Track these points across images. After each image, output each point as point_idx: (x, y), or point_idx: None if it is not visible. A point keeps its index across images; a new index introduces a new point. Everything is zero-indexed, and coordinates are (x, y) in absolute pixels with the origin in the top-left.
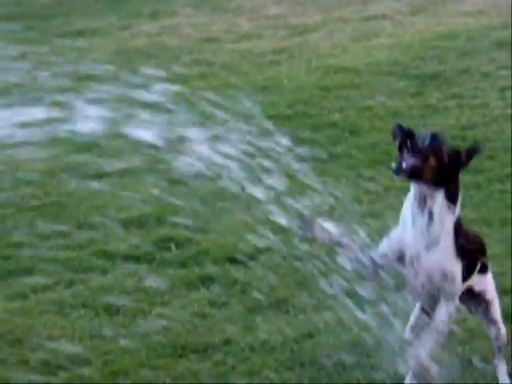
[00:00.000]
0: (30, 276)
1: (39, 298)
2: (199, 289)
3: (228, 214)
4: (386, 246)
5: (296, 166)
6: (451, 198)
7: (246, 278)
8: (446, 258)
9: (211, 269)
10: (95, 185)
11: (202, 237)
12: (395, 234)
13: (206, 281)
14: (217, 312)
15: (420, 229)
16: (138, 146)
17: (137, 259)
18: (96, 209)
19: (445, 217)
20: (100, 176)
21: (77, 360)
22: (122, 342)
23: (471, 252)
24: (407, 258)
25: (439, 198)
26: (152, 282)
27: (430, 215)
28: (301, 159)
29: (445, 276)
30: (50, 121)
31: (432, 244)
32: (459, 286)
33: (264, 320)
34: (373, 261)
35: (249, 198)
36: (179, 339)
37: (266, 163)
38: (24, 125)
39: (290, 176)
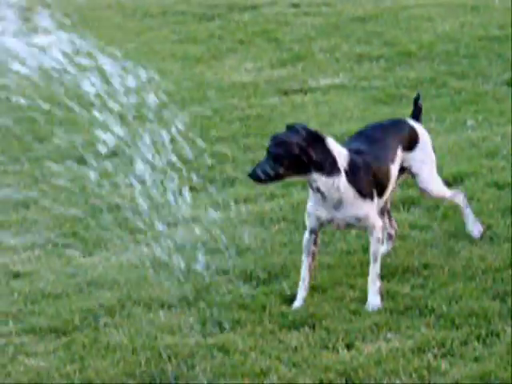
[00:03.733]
0: (232, 187)
1: (240, 208)
2: (400, 210)
3: (432, 136)
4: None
5: None
6: (328, 169)
7: (448, 202)
8: (353, 209)
9: (413, 191)
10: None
11: None
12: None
13: (408, 203)
14: (417, 235)
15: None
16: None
17: None
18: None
19: (333, 184)
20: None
21: (274, 273)
22: (321, 259)
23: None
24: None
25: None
26: None
27: (322, 193)
28: None
29: (359, 219)
30: None
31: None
32: (374, 217)
33: (466, 246)
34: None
35: None
36: None
37: None
38: None
39: None
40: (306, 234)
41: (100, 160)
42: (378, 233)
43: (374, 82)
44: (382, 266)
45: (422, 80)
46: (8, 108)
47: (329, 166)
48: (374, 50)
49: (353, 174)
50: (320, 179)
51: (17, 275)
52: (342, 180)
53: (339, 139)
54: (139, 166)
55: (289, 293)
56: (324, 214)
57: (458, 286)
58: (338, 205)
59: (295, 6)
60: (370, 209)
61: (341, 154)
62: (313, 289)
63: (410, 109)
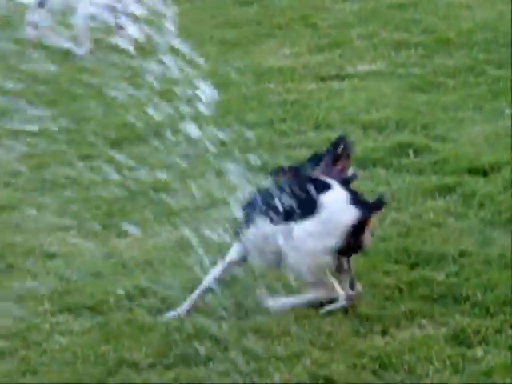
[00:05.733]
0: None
1: None
2: (436, 198)
3: (470, 124)
4: None
5: None
6: None
7: (485, 190)
8: None
9: (449, 178)
10: (335, 85)
11: (441, 145)
12: None
13: (444, 190)
14: (453, 222)
15: None
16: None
17: (374, 163)
18: (335, 110)
19: None
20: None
21: None
22: None
23: None
24: None
25: None
26: (387, 187)
27: None
28: None
29: None
30: None
31: None
32: None
33: (501, 234)
34: None
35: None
36: (413, 247)
37: None
38: None
39: None
40: None
41: (136, 143)
42: None
43: (411, 70)
44: (416, 253)
45: (460, 68)
46: None
47: None
48: (412, 38)
49: None
50: None
51: (52, 256)
52: None
53: (376, 126)
54: (175, 150)
55: None
56: None
57: (493, 274)
58: None
59: None
60: None
61: None
62: None
63: (447, 96)
